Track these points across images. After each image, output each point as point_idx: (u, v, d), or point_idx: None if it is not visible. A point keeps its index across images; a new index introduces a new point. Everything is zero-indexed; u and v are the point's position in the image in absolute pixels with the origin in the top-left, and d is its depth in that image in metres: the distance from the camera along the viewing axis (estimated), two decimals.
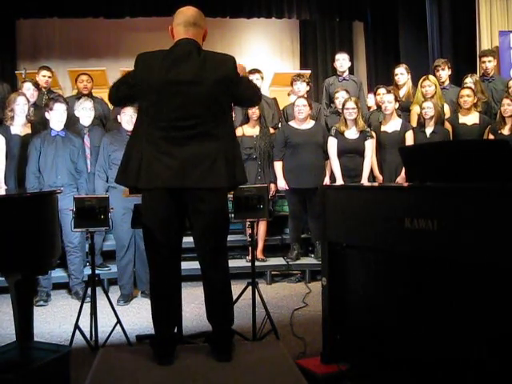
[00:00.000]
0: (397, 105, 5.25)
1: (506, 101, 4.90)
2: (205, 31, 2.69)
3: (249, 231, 3.82)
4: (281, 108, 6.19)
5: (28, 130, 4.75)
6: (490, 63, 5.71)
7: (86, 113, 4.89)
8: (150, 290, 2.75)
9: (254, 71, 5.79)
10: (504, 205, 1.90)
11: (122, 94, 2.73)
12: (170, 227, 2.60)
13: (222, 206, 2.65)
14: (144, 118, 2.61)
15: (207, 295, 2.69)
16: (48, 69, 5.95)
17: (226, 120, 2.67)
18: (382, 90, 5.56)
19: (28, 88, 5.16)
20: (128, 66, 8.76)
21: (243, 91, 2.71)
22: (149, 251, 2.69)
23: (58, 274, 4.72)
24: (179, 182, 2.51)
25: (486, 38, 6.96)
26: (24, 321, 2.56)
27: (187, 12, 2.66)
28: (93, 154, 4.81)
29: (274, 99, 6.23)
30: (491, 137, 4.95)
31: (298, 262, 5.29)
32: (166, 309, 2.67)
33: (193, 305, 4.30)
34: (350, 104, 5.08)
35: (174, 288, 2.70)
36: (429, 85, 5.36)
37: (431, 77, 5.49)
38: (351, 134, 5.11)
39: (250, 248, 3.67)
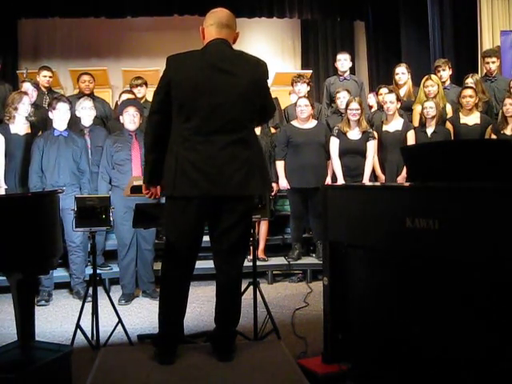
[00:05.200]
0: (399, 104, 5.25)
1: (508, 100, 4.88)
2: (236, 34, 2.67)
3: None
4: (282, 108, 6.20)
5: (28, 130, 4.74)
6: (493, 64, 5.70)
7: (86, 112, 4.88)
8: (164, 287, 2.70)
9: None
10: (505, 205, 1.89)
11: (161, 103, 2.59)
12: (198, 235, 2.64)
13: (250, 209, 2.72)
14: (181, 123, 2.54)
15: (220, 291, 2.71)
16: (48, 69, 5.96)
17: (253, 127, 2.70)
18: (384, 90, 5.55)
19: (27, 88, 5.16)
20: (129, 65, 8.81)
21: (270, 99, 2.76)
22: (169, 250, 2.67)
23: (59, 274, 4.73)
24: (218, 190, 2.50)
25: (488, 38, 6.95)
26: (25, 320, 2.57)
27: (220, 13, 2.64)
28: (93, 153, 4.81)
29: (276, 99, 6.23)
30: (494, 137, 4.94)
31: (299, 261, 5.29)
32: (177, 308, 2.67)
33: (194, 305, 4.30)
34: (354, 105, 5.07)
35: (186, 287, 2.70)
36: (431, 84, 5.35)
37: (434, 76, 5.48)
38: (354, 134, 5.11)
39: (251, 248, 3.66)
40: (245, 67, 2.56)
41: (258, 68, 2.62)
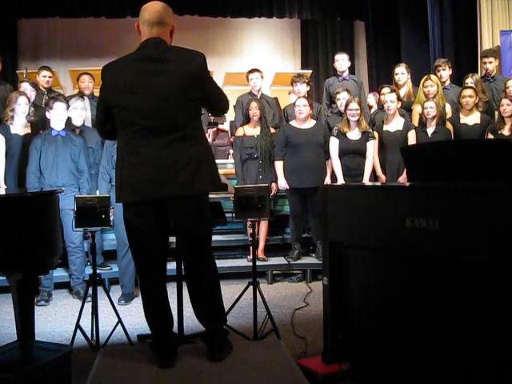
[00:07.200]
0: (399, 104, 5.24)
1: (505, 101, 4.88)
2: (172, 27, 2.61)
3: (250, 231, 3.82)
4: (282, 108, 6.20)
5: (28, 130, 4.76)
6: (491, 64, 5.70)
7: (77, 112, 4.86)
8: (142, 295, 2.71)
9: (254, 70, 5.80)
10: (505, 205, 1.89)
11: (103, 117, 2.61)
12: (155, 238, 2.58)
13: (204, 209, 2.61)
14: (122, 129, 2.54)
15: (193, 298, 2.66)
16: (48, 69, 5.95)
17: (199, 122, 2.64)
18: (386, 90, 5.53)
19: (26, 88, 5.16)
20: None
21: (214, 90, 2.63)
22: (135, 259, 2.68)
23: (59, 274, 4.73)
24: (162, 191, 2.46)
25: (488, 38, 6.96)
26: (25, 320, 2.56)
27: (151, 9, 2.56)
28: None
29: (276, 99, 6.24)
30: (491, 137, 4.93)
31: (299, 261, 5.29)
32: (160, 312, 2.66)
33: None
34: (354, 105, 5.06)
35: (163, 290, 2.68)
36: (431, 85, 5.35)
37: (433, 76, 5.48)
38: (353, 134, 5.10)
39: (251, 248, 3.66)
40: (179, 63, 2.49)
41: (195, 61, 2.52)
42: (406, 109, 5.56)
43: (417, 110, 5.42)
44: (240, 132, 5.34)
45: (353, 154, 5.09)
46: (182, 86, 2.46)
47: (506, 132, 4.85)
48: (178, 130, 2.47)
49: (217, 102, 2.69)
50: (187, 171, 2.46)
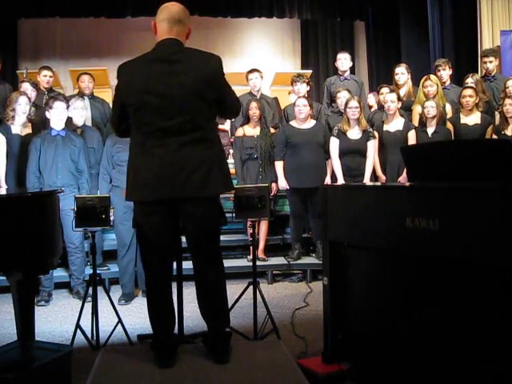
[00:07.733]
0: (399, 104, 5.25)
1: (508, 101, 4.87)
2: (189, 29, 2.63)
3: (250, 231, 3.82)
4: (282, 108, 6.20)
5: (29, 130, 4.76)
6: (491, 64, 5.70)
7: (78, 112, 4.86)
8: (147, 293, 2.74)
9: (254, 70, 5.80)
10: (505, 205, 1.89)
11: (119, 115, 2.62)
12: (165, 237, 2.59)
13: (214, 210, 2.62)
14: (136, 129, 2.55)
15: (200, 296, 2.69)
16: (49, 69, 5.94)
17: (214, 124, 2.65)
18: (385, 90, 5.53)
19: (26, 88, 5.15)
20: None
21: (228, 94, 2.65)
22: (144, 257, 2.70)
23: (59, 274, 4.72)
24: (173, 192, 2.47)
25: (488, 38, 6.96)
26: (25, 320, 2.56)
27: (172, 8, 2.58)
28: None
29: (275, 99, 6.24)
30: (494, 137, 4.92)
31: (299, 261, 5.29)
32: (164, 311, 2.67)
33: (193, 304, 4.25)
34: (353, 103, 5.07)
35: (169, 289, 2.69)
36: (430, 85, 5.35)
37: (433, 76, 5.48)
38: (354, 133, 5.10)
39: (251, 247, 3.66)
40: (195, 65, 2.50)
41: (210, 64, 2.54)
42: (406, 109, 5.56)
43: (417, 110, 5.42)
44: (240, 132, 5.34)
45: (353, 154, 5.09)
46: (197, 88, 2.47)
47: (509, 132, 4.85)
48: (193, 132, 2.48)
49: (230, 107, 2.71)
50: (200, 173, 2.47)
